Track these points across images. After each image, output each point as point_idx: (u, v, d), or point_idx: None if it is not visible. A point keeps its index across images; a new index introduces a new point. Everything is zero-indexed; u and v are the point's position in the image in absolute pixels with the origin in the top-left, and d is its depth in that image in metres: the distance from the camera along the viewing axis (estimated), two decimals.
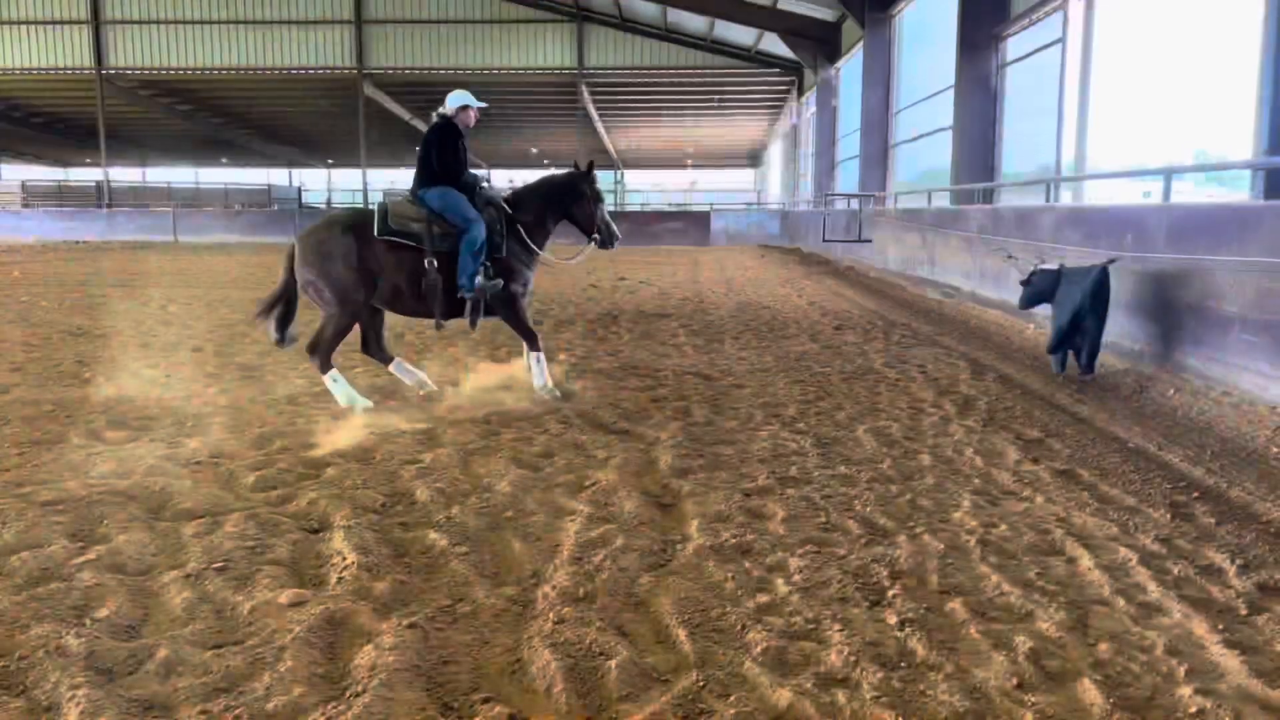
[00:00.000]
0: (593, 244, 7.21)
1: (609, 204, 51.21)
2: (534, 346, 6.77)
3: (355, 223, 6.54)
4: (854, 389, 7.24)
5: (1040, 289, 8.08)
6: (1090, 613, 3.29)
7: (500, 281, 6.63)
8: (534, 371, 6.78)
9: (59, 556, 3.60)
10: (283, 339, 6.64)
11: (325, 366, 6.42)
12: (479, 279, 6.53)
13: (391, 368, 6.91)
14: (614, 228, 7.14)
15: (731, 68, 37.54)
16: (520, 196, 7.06)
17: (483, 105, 6.96)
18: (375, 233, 6.44)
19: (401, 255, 6.50)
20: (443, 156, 6.67)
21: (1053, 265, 8.20)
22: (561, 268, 9.38)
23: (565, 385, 7.01)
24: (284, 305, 6.57)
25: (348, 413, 6.19)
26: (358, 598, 3.32)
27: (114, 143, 46.08)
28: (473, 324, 6.84)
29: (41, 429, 5.71)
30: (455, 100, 6.81)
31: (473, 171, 6.92)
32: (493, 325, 8.24)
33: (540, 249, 6.92)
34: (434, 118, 6.93)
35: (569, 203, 7.04)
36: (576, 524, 4.10)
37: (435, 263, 6.50)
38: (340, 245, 6.38)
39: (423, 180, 6.72)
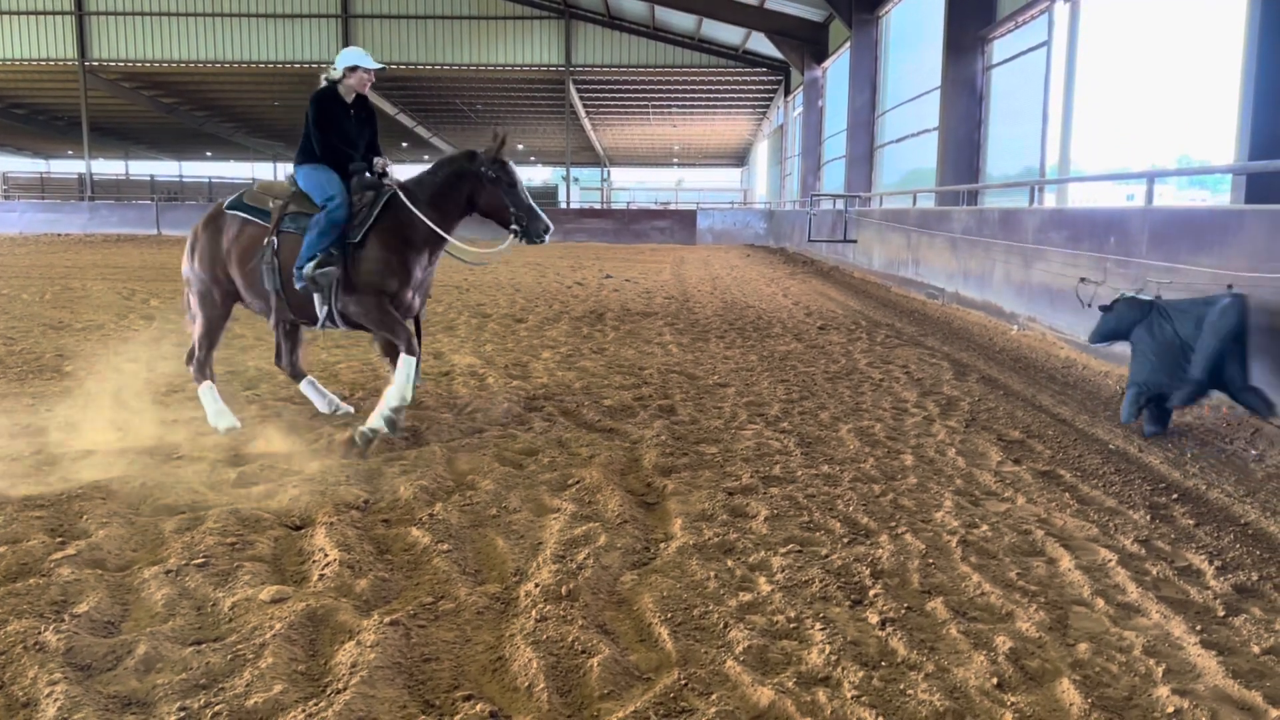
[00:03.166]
0: (512, 237, 5.79)
1: (598, 201, 50.80)
2: (407, 351, 5.43)
3: (217, 210, 5.81)
4: (838, 389, 7.27)
5: (1123, 322, 6.28)
6: (1070, 613, 3.31)
7: (334, 270, 5.49)
8: (395, 377, 5.44)
9: (38, 551, 3.57)
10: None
11: (200, 378, 5.78)
12: (309, 266, 5.47)
13: (301, 386, 6.22)
14: (540, 214, 5.70)
15: (719, 67, 37.58)
16: (414, 184, 5.82)
17: (376, 66, 5.81)
18: (225, 206, 5.74)
19: (240, 236, 5.70)
20: (318, 131, 5.66)
21: (1147, 295, 6.41)
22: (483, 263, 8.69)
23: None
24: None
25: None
26: (339, 595, 3.31)
27: (97, 135, 45.80)
28: (319, 322, 5.67)
29: (21, 423, 5.66)
30: (343, 60, 5.73)
31: (372, 160, 5.84)
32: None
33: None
34: (322, 81, 5.87)
35: (471, 191, 5.73)
36: (560, 522, 4.10)
37: (276, 244, 5.59)
38: (199, 235, 5.78)
39: (297, 158, 5.78)
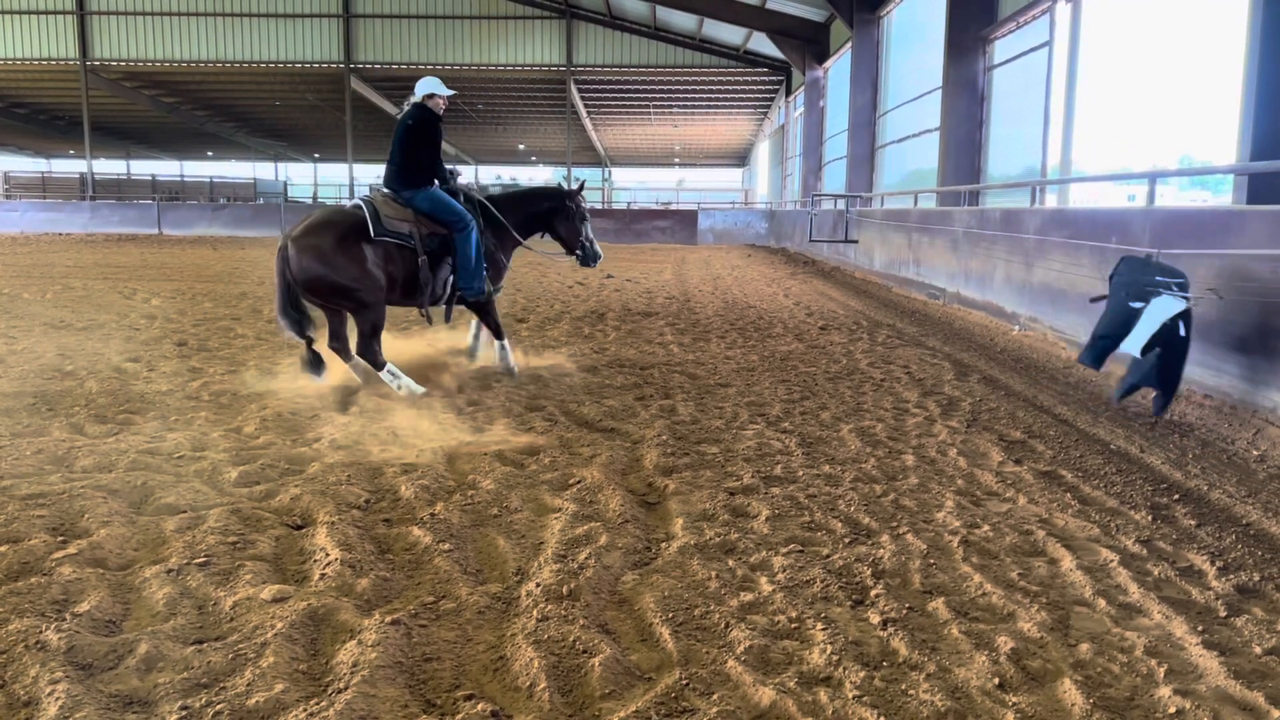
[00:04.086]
0: (574, 259, 7.74)
1: (599, 201, 50.88)
2: (501, 336, 7.39)
3: (354, 224, 6.54)
4: (839, 389, 7.26)
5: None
6: (1071, 613, 3.31)
7: (501, 285, 7.29)
8: (500, 356, 7.39)
9: (39, 550, 3.57)
10: (302, 334, 6.59)
11: (380, 363, 6.61)
12: (486, 285, 7.07)
13: (350, 365, 6.91)
14: (597, 248, 7.71)
15: (720, 67, 37.60)
16: (506, 201, 7.39)
17: (450, 93, 6.99)
18: (372, 234, 6.55)
19: (394, 254, 6.68)
20: (430, 153, 6.84)
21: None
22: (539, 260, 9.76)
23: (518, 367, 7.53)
24: (295, 308, 6.55)
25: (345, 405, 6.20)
26: (340, 594, 3.31)
27: (98, 134, 45.84)
28: (448, 317, 7.34)
29: (23, 422, 5.66)
30: (425, 87, 6.83)
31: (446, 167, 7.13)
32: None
33: (514, 249, 7.54)
34: (405, 106, 6.98)
35: (554, 218, 7.54)
36: (561, 521, 4.10)
37: (427, 261, 6.80)
38: (357, 247, 6.48)
39: (406, 179, 6.83)
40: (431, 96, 6.83)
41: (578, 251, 7.63)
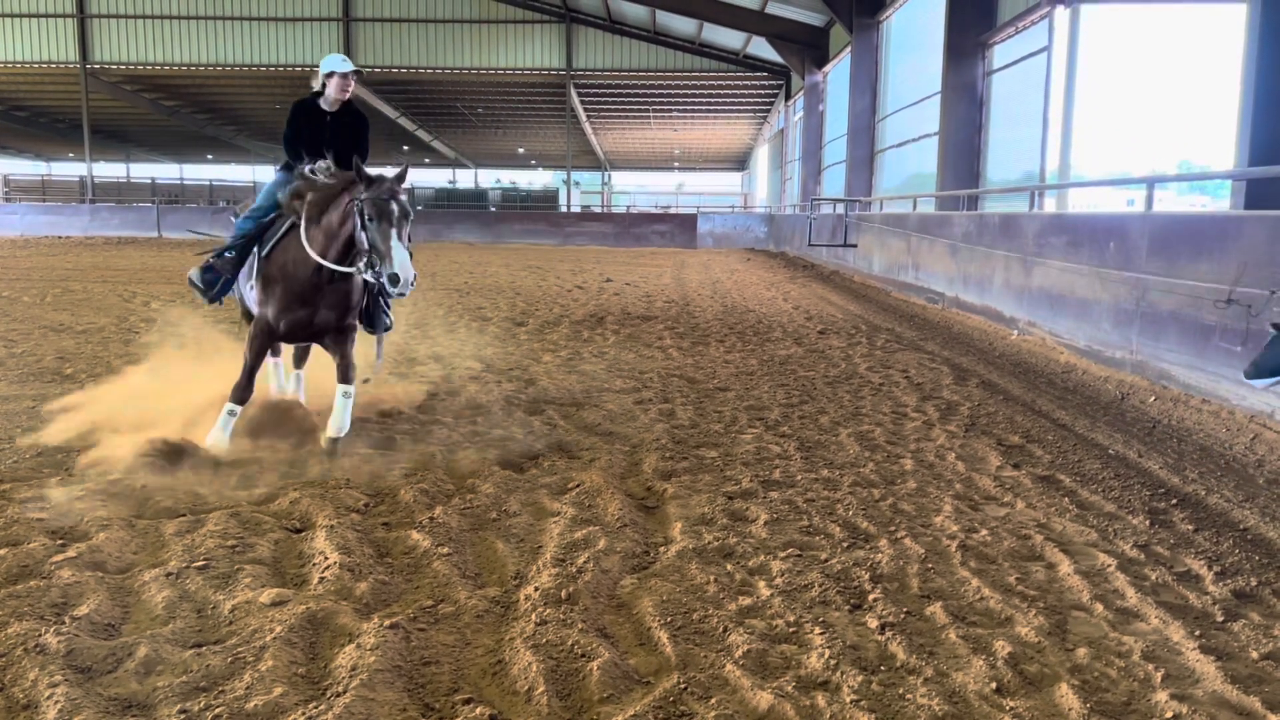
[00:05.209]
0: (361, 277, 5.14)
1: (599, 205, 50.20)
2: (234, 400, 5.23)
3: None
4: (838, 393, 7.27)
5: None
6: (1069, 618, 3.31)
7: (195, 273, 5.59)
8: (218, 425, 5.21)
9: (38, 554, 3.57)
10: None
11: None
12: (196, 273, 5.61)
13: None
14: (397, 265, 4.69)
15: (719, 71, 37.64)
16: (314, 199, 5.20)
17: (349, 69, 5.47)
18: None
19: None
20: (284, 140, 5.60)
21: None
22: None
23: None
24: None
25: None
26: (339, 598, 3.31)
27: (98, 137, 45.81)
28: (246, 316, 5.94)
29: (22, 425, 5.66)
30: (322, 67, 5.53)
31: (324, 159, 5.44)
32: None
33: (325, 258, 5.03)
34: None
35: (335, 214, 5.02)
36: (560, 525, 4.10)
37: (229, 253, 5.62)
38: None
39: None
40: (329, 76, 5.46)
41: (362, 264, 4.94)
